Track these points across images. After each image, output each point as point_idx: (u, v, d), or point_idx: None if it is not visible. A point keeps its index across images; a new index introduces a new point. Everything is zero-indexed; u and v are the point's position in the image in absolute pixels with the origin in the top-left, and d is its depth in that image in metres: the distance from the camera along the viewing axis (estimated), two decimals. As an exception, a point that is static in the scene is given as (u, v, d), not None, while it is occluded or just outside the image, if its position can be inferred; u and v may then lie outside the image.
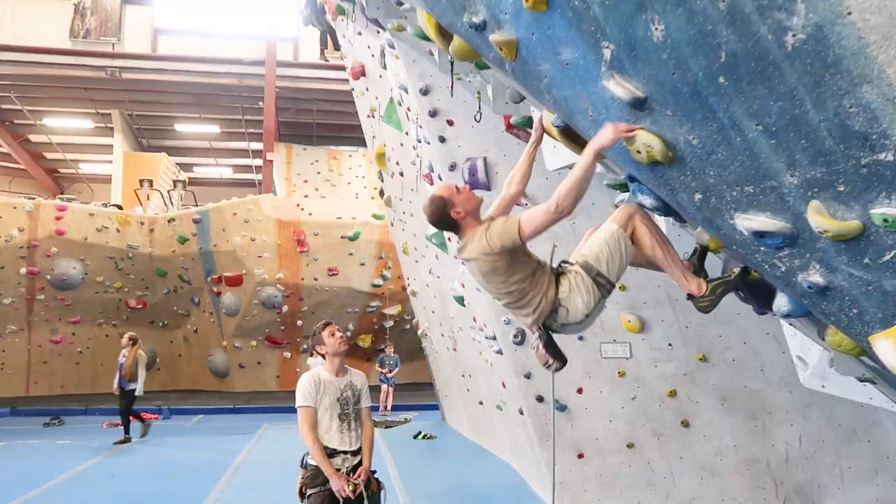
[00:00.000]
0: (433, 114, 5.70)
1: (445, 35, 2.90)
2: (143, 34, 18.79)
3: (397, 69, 6.46)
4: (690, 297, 2.65)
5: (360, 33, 8.99)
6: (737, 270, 2.58)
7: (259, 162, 21.51)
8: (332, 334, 4.10)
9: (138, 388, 10.60)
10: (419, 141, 6.66)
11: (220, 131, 23.23)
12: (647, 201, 2.59)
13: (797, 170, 1.90)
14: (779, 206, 2.01)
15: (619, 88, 2.20)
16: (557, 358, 2.78)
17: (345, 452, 3.88)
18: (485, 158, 5.52)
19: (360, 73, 10.01)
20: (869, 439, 5.11)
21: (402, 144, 8.83)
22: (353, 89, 11.44)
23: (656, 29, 2.01)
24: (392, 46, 5.86)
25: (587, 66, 2.30)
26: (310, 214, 16.73)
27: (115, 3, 18.54)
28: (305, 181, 22.62)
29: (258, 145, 21.67)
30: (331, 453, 3.83)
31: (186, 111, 21.97)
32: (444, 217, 2.76)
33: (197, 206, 19.13)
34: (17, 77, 18.78)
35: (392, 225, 11.87)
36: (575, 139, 2.70)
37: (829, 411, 4.99)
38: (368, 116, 10.73)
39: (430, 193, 2.99)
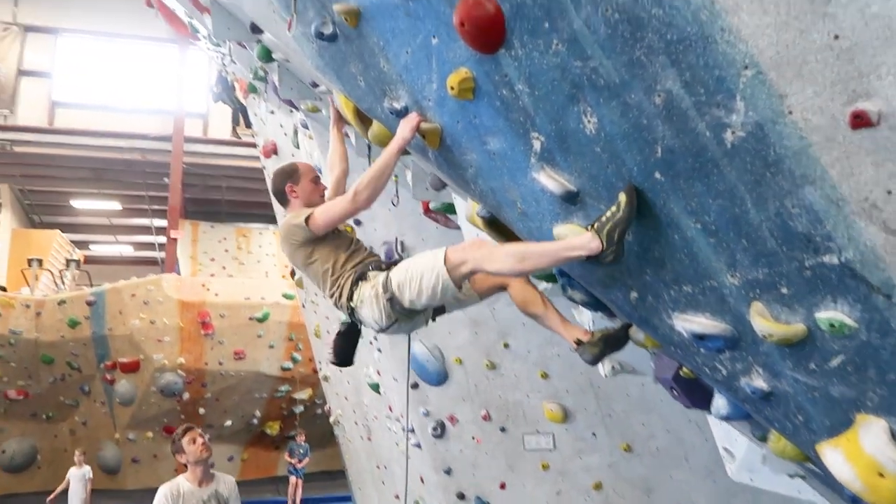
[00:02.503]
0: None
1: (364, 119, 2.76)
2: (39, 107, 17.93)
3: (311, 149, 6.30)
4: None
5: (272, 112, 8.84)
6: (623, 196, 2.10)
7: (163, 239, 20.59)
8: (193, 441, 3.80)
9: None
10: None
11: (121, 208, 22.19)
12: (577, 296, 2.47)
13: (738, 270, 1.80)
14: (719, 308, 1.91)
15: (550, 181, 2.08)
16: (337, 355, 2.68)
17: None
18: (402, 242, 5.36)
19: (272, 151, 9.80)
20: (791, 527, 5.07)
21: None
22: (263, 168, 11.18)
23: (589, 122, 1.92)
24: (306, 126, 5.70)
25: (516, 157, 2.18)
26: (216, 295, 15.97)
27: (9, 74, 17.70)
28: (212, 259, 21.79)
29: (162, 222, 20.77)
30: None
31: (84, 186, 20.89)
32: (280, 185, 2.76)
33: (92, 286, 17.93)
34: None
35: (304, 306, 11.43)
36: (502, 231, 2.56)
37: (755, 500, 4.93)
38: (280, 195, 10.44)
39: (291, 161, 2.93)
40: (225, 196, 20.98)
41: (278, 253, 21.83)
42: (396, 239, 5.30)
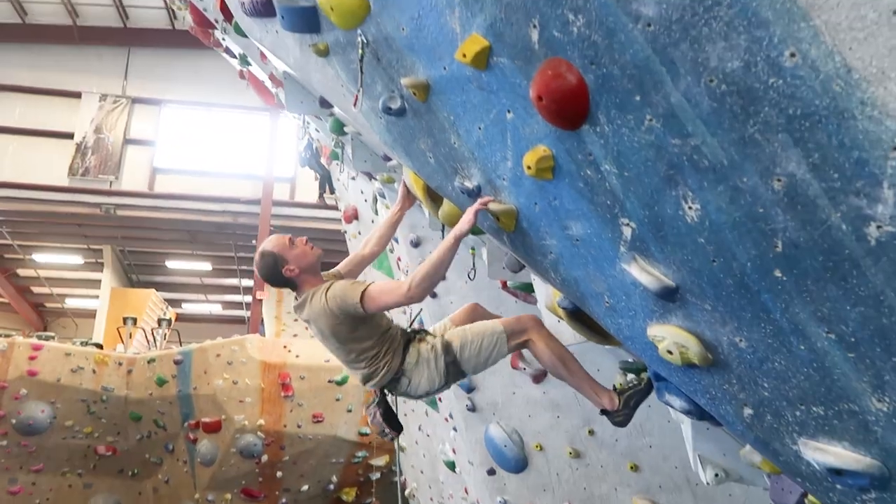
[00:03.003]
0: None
1: (434, 197, 2.56)
2: (141, 172, 18.96)
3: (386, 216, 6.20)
4: (605, 412, 2.49)
5: (353, 178, 8.90)
6: (645, 376, 2.36)
7: (250, 299, 21.12)
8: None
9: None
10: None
11: (211, 268, 23.01)
12: (677, 403, 2.12)
13: (887, 394, 1.44)
14: (862, 437, 1.53)
15: (644, 274, 1.78)
16: (393, 427, 2.65)
17: None
18: (478, 316, 5.09)
19: (353, 216, 9.87)
20: None
21: (392, 292, 8.46)
22: (345, 232, 11.27)
23: (690, 208, 1.62)
24: (383, 196, 5.61)
25: (602, 244, 1.90)
26: (297, 356, 16.05)
27: (117, 143, 18.87)
28: (296, 320, 22.08)
29: (250, 282, 21.36)
30: None
31: (179, 248, 21.84)
32: (276, 275, 2.61)
33: (181, 344, 18.47)
34: (11, 213, 18.73)
35: (381, 372, 11.27)
36: (587, 323, 2.27)
37: None
38: (360, 260, 10.45)
39: (261, 247, 2.68)
40: (309, 257, 21.40)
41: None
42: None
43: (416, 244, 5.43)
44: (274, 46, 2.84)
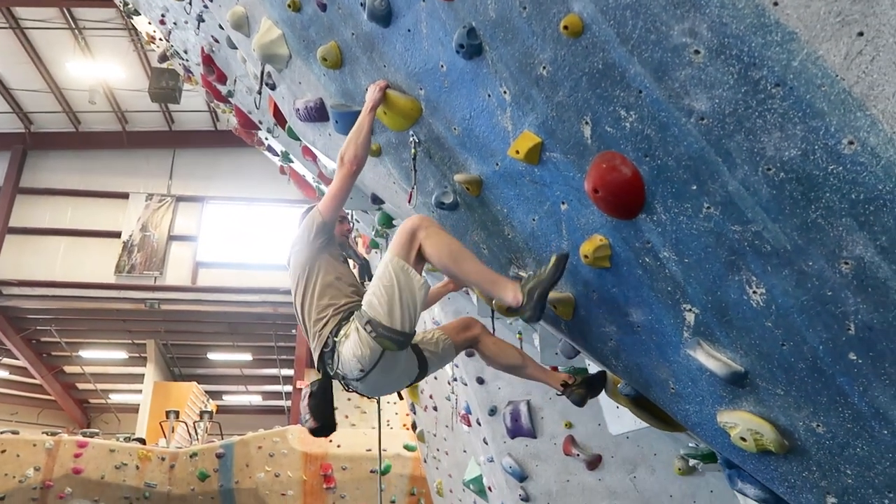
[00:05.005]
0: (471, 353, 5.33)
1: (487, 289, 2.58)
2: (184, 267, 19.47)
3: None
4: (510, 310, 2.18)
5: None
6: (552, 259, 2.01)
7: (290, 388, 21.10)
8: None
9: None
10: (454, 379, 6.22)
11: (251, 359, 23.16)
12: (751, 492, 2.05)
13: (983, 479, 1.39)
14: (961, 526, 1.47)
15: (710, 360, 1.77)
16: (316, 416, 2.25)
17: None
18: (528, 402, 5.02)
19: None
20: None
21: (435, 378, 8.39)
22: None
23: (755, 292, 1.63)
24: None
25: (664, 330, 1.90)
26: (338, 447, 15.86)
27: (161, 240, 19.51)
28: (336, 408, 21.91)
29: (289, 371, 21.39)
30: None
31: (220, 340, 22.10)
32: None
33: (222, 436, 18.40)
34: (60, 311, 19.28)
35: (425, 461, 11.03)
36: (650, 410, 2.23)
37: None
38: (400, 347, 10.48)
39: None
40: (348, 345, 21.44)
41: (400, 402, 21.77)
42: (527, 401, 4.97)
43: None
44: (326, 148, 2.98)
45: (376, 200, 3.05)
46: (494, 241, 2.38)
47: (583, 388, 2.42)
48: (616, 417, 2.79)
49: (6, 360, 22.36)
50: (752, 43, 1.42)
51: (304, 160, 8.18)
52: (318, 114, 2.87)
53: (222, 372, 24.90)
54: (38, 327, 20.37)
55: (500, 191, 2.23)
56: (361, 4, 2.34)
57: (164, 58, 10.07)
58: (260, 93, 3.08)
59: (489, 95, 2.09)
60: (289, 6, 2.70)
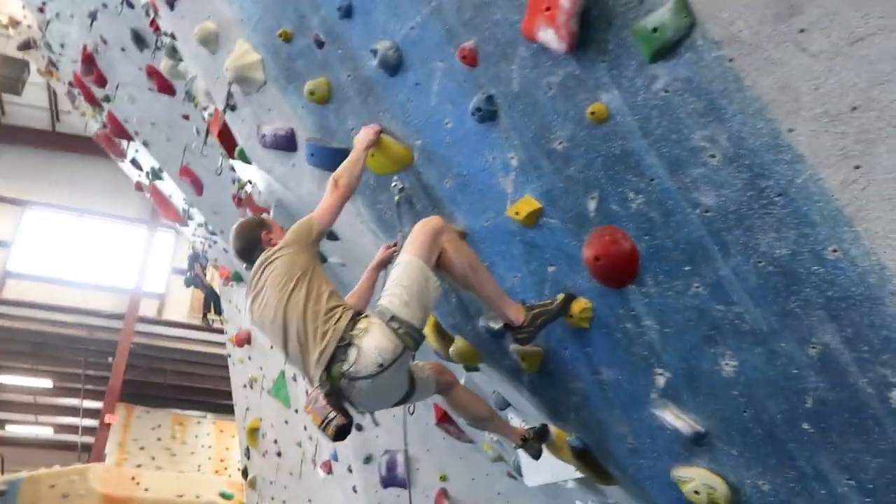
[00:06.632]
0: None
1: (443, 335, 2.69)
2: (-11, 276, 17.36)
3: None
4: (508, 327, 2.28)
5: (253, 302, 8.71)
6: (560, 297, 2.20)
7: (89, 422, 19.15)
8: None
9: None
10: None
11: (51, 386, 20.76)
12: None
13: (900, 534, 1.72)
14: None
15: (677, 420, 2.02)
16: (340, 410, 2.11)
17: None
18: (406, 452, 5.07)
19: (245, 340, 9.55)
20: None
21: (286, 422, 8.14)
22: (229, 356, 10.83)
23: (727, 364, 1.91)
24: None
25: (633, 390, 2.13)
26: (146, 490, 14.60)
27: (-35, 240, 17.32)
28: (142, 448, 20.13)
29: (92, 404, 19.41)
30: None
31: (17, 360, 19.64)
32: (255, 235, 2.46)
33: (2, 471, 16.20)
34: None
35: (252, 511, 10.47)
36: (592, 465, 2.43)
37: None
38: (244, 386, 10.03)
39: (240, 220, 2.56)
40: (168, 380, 19.98)
41: (215, 445, 20.58)
42: (404, 451, 5.01)
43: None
44: (285, 177, 2.97)
45: (331, 237, 3.07)
46: (465, 292, 2.51)
47: (538, 442, 2.53)
48: (534, 470, 2.95)
49: None
50: (764, 157, 1.72)
51: (180, 180, 7.83)
52: (285, 143, 2.87)
53: (10, 398, 22.03)
54: None
55: (486, 245, 2.38)
56: (372, 51, 2.44)
57: (27, 45, 9.23)
58: (232, 110, 3.01)
59: (494, 158, 2.26)
60: (279, 36, 2.73)
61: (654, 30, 1.76)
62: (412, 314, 2.10)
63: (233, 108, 3.04)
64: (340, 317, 2.14)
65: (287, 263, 2.23)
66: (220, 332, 15.74)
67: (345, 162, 2.44)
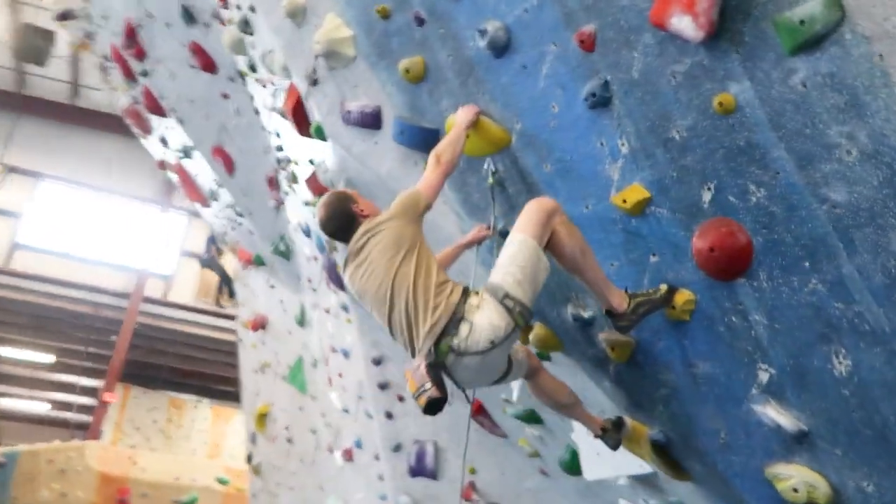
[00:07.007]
0: (383, 386, 5.29)
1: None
2: (-1, 246, 17.32)
3: (337, 331, 6.12)
4: (609, 313, 2.26)
5: (272, 286, 8.72)
6: (664, 288, 2.20)
7: (85, 400, 19.10)
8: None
9: None
10: (346, 411, 6.09)
11: (53, 361, 20.70)
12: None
13: None
14: None
15: (779, 416, 2.01)
16: (437, 383, 2.08)
17: None
18: (435, 443, 5.05)
19: (261, 325, 9.53)
20: None
21: (301, 409, 8.12)
22: (240, 340, 10.80)
23: (840, 363, 1.90)
24: (346, 309, 5.58)
25: (731, 384, 2.12)
26: (143, 470, 14.54)
27: (-24, 208, 17.26)
28: (137, 428, 20.10)
29: (90, 382, 19.35)
30: None
31: (18, 333, 19.57)
32: (348, 209, 2.41)
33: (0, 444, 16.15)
34: None
35: (253, 496, 10.43)
36: (668, 461, 2.42)
37: None
38: (256, 371, 10.00)
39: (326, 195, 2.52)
40: (169, 362, 19.93)
41: (210, 430, 20.54)
42: (434, 441, 5.00)
43: (377, 362, 5.39)
44: (364, 155, 2.96)
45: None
46: (555, 277, 2.50)
47: (617, 433, 2.52)
48: (595, 463, 2.94)
49: None
50: (904, 156, 1.71)
51: (212, 159, 7.82)
52: (371, 120, 2.86)
53: (8, 370, 21.94)
54: None
55: (584, 232, 2.36)
56: (480, 31, 2.44)
57: (65, 16, 9.19)
58: (314, 84, 3.00)
59: (602, 144, 2.26)
60: (377, 11, 2.72)
61: (802, 22, 1.76)
62: (525, 294, 2.09)
63: (315, 83, 3.03)
64: (452, 291, 2.13)
65: (395, 235, 2.22)
66: (228, 317, 15.74)
67: (445, 139, 2.44)
